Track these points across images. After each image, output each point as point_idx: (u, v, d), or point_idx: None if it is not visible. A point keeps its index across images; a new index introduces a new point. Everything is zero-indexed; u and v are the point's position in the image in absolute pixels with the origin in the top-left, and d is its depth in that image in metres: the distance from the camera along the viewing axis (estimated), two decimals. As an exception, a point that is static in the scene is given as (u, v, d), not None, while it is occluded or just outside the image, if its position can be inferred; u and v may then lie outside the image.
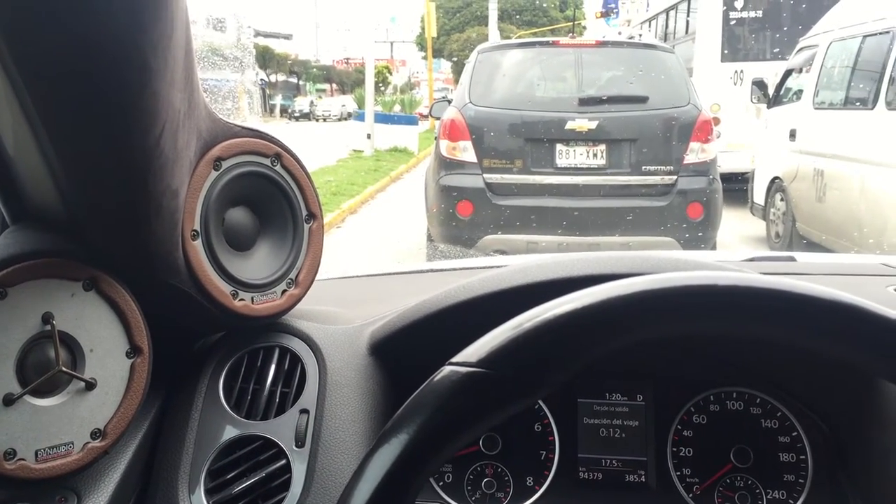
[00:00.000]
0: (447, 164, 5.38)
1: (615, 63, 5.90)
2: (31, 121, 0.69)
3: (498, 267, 1.06)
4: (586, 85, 5.70)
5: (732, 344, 1.06)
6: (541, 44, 6.63)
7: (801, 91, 7.15)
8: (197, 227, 0.90)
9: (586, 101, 5.45)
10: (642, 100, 5.43)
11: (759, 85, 7.97)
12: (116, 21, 0.62)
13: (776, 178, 7.27)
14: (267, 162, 0.98)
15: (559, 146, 5.30)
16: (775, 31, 10.30)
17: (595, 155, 5.31)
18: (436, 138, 5.76)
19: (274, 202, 1.00)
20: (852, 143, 5.89)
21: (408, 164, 15.92)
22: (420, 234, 6.60)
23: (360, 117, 17.27)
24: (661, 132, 5.32)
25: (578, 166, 5.31)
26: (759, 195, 7.75)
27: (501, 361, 0.56)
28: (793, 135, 6.95)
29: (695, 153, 5.28)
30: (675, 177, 5.25)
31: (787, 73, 7.61)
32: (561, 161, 5.31)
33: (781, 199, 7.15)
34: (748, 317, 0.56)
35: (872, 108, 5.60)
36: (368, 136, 16.23)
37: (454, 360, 0.57)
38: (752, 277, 0.57)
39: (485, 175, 5.30)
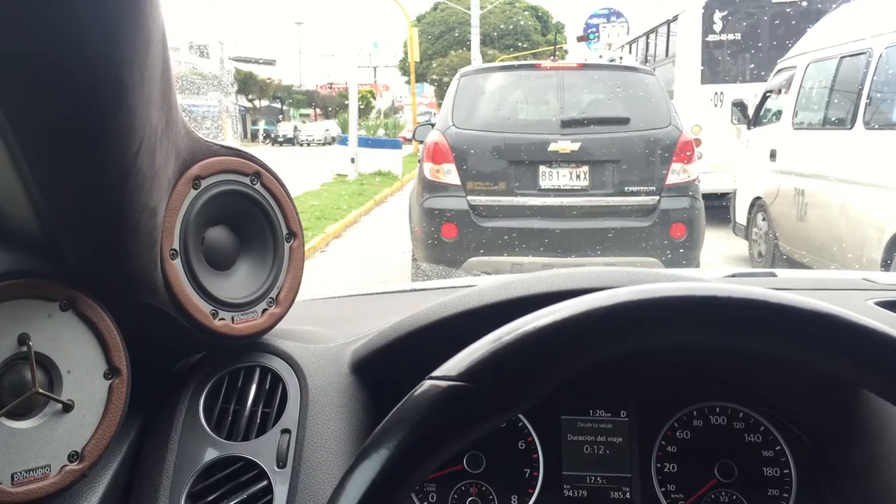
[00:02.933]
0: (431, 187, 5.41)
1: (596, 85, 5.92)
2: (5, 137, 0.68)
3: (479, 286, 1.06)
4: (568, 107, 5.70)
5: (715, 359, 1.06)
6: (523, 66, 6.71)
7: (780, 112, 7.25)
8: (176, 246, 0.90)
9: (568, 123, 5.48)
10: (624, 121, 5.49)
11: (739, 106, 8.08)
12: (91, 37, 0.61)
13: (757, 197, 7.38)
14: (246, 181, 0.97)
15: (542, 168, 5.35)
16: (754, 52, 10.45)
17: (578, 176, 5.35)
18: (419, 161, 5.79)
19: (254, 221, 1.00)
20: (832, 162, 5.95)
21: (392, 188, 16.02)
22: (404, 256, 6.53)
23: (344, 141, 17.42)
24: (642, 153, 5.36)
25: (562, 188, 5.35)
26: (741, 215, 7.84)
27: (482, 375, 0.55)
28: (773, 155, 7.06)
29: (676, 174, 5.33)
30: (657, 197, 5.30)
31: (767, 95, 7.71)
32: (544, 183, 5.36)
33: (763, 219, 7.26)
34: (728, 327, 0.56)
35: (851, 128, 5.68)
36: (352, 161, 16.40)
37: (434, 374, 0.57)
38: (732, 288, 0.56)
39: (468, 197, 5.33)
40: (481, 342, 0.57)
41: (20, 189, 0.73)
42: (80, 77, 0.63)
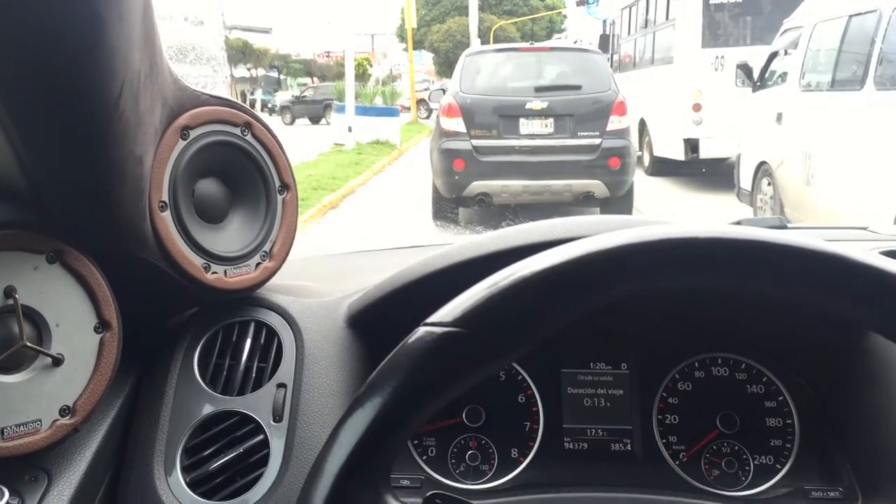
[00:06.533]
0: (446, 135, 7.71)
1: (560, 62, 8.38)
2: None
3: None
4: (540, 77, 8.13)
5: (716, 308, 1.04)
6: (510, 49, 9.30)
7: (785, 74, 6.97)
8: (165, 198, 0.87)
9: (540, 89, 7.86)
10: (578, 87, 7.81)
11: (744, 68, 7.79)
12: None
13: (763, 162, 7.11)
14: (237, 131, 0.94)
15: (522, 119, 7.66)
16: (756, 16, 10.20)
17: (546, 125, 7.67)
18: (437, 117, 8.23)
19: (245, 173, 0.97)
20: (841, 124, 5.72)
21: (390, 157, 15.48)
22: (402, 227, 7.66)
23: (341, 110, 16.79)
24: (590, 109, 7.64)
25: (535, 133, 7.67)
26: (745, 180, 7.57)
27: (477, 320, 0.54)
28: (779, 118, 6.79)
29: (613, 123, 7.56)
30: (600, 139, 7.53)
31: (772, 56, 7.41)
32: (523, 130, 7.68)
33: (768, 184, 6.97)
34: (729, 269, 0.54)
35: (861, 89, 5.48)
36: (349, 129, 15.80)
37: (429, 320, 0.56)
38: (735, 230, 0.54)
39: (472, 141, 7.60)
40: (477, 287, 0.56)
41: (1, 137, 0.70)
42: (55, 12, 0.60)
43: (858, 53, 5.62)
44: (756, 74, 7.63)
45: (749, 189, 7.44)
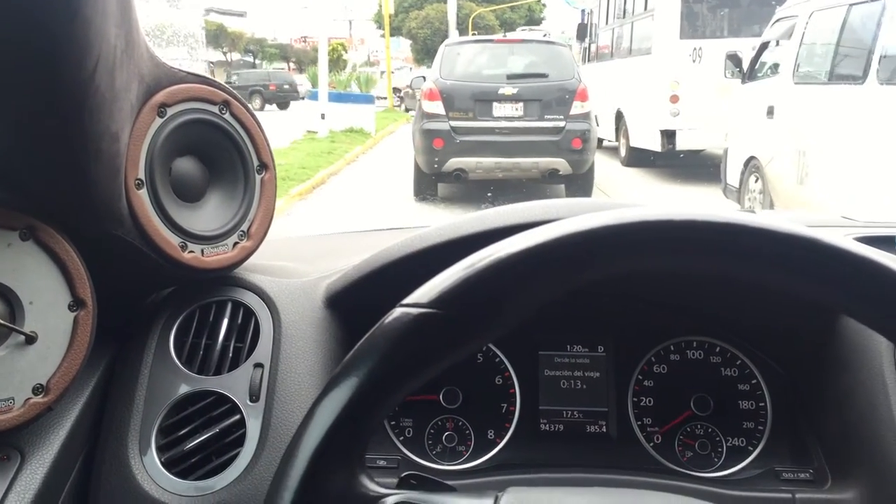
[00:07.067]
0: (427, 116, 8.48)
1: (529, 53, 9.19)
2: None
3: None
4: (512, 66, 8.86)
5: (692, 293, 1.06)
6: (485, 40, 10.10)
7: (777, 65, 6.62)
8: (141, 175, 0.87)
9: (511, 76, 8.56)
10: (545, 75, 8.59)
11: (733, 59, 7.46)
12: None
13: (752, 157, 6.72)
14: (215, 109, 0.94)
15: (495, 104, 8.40)
16: (734, 7, 10.17)
17: (516, 109, 8.40)
18: (418, 100, 9.15)
19: (223, 152, 0.97)
20: (840, 120, 5.36)
21: (364, 146, 15.01)
22: (375, 216, 7.88)
23: (314, 96, 16.38)
24: (555, 95, 8.41)
25: (506, 116, 8.41)
26: (732, 176, 7.20)
27: (453, 301, 0.54)
28: (770, 112, 6.41)
29: (576, 108, 8.30)
30: (564, 122, 8.28)
31: (763, 47, 7.04)
32: (496, 112, 8.42)
33: (757, 180, 6.62)
34: (704, 251, 0.54)
35: (862, 83, 5.13)
36: (322, 117, 15.29)
37: (405, 301, 0.56)
38: (710, 212, 0.54)
39: (450, 122, 8.34)
40: (454, 268, 0.56)
41: None
42: None
43: (859, 45, 5.30)
44: (746, 65, 7.30)
45: (736, 185, 7.09)
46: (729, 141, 7.57)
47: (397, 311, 0.55)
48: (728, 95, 8.91)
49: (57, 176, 0.76)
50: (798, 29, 6.16)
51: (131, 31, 0.74)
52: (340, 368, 0.55)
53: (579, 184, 8.44)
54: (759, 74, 7.05)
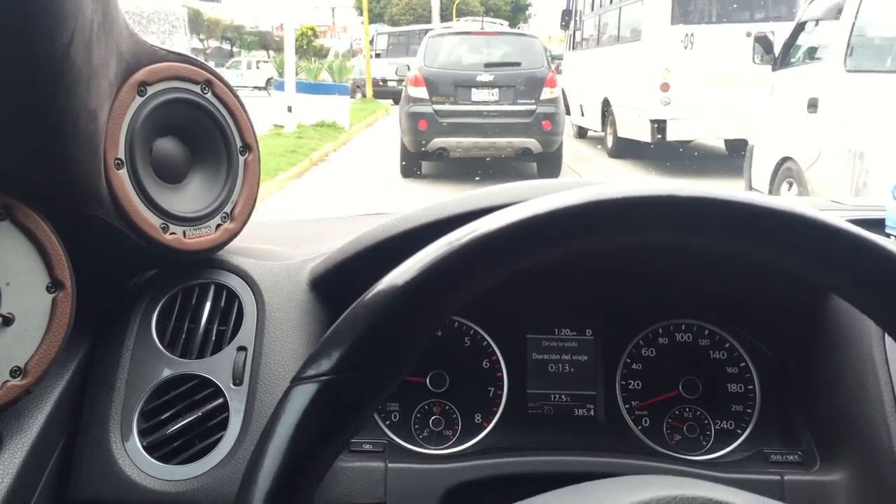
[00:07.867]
0: (412, 100, 9.37)
1: (504, 44, 10.22)
2: None
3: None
4: (488, 55, 9.80)
5: (681, 276, 1.05)
6: (465, 32, 11.39)
7: (816, 49, 5.65)
8: (121, 155, 0.85)
9: (488, 65, 9.51)
10: (518, 64, 9.53)
11: (762, 41, 6.36)
12: None
13: (786, 158, 5.61)
14: (197, 89, 0.93)
15: (473, 89, 9.37)
16: None
17: (492, 94, 9.35)
18: (404, 86, 10.20)
19: (206, 132, 0.96)
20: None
21: (336, 143, 13.22)
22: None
23: (281, 86, 14.56)
24: (527, 82, 9.35)
25: (483, 100, 9.36)
26: (759, 179, 6.06)
27: (436, 276, 0.52)
28: (813, 105, 5.33)
29: (546, 94, 9.26)
30: (535, 106, 9.23)
31: (799, 28, 5.98)
32: (474, 97, 9.37)
33: (792, 186, 5.51)
34: (699, 228, 0.52)
35: None
36: (289, 110, 13.58)
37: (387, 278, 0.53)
38: (688, 188, 0.52)
39: (433, 106, 9.28)
40: (434, 245, 0.53)
41: None
42: None
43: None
44: (777, 49, 6.21)
45: (765, 191, 5.86)
46: (754, 137, 6.50)
47: (378, 287, 0.53)
48: (723, 84, 8.36)
49: (34, 154, 0.75)
50: (850, 6, 5.10)
51: (109, 5, 0.74)
52: (319, 347, 0.53)
53: (549, 161, 9.42)
54: (793, 60, 6.04)
